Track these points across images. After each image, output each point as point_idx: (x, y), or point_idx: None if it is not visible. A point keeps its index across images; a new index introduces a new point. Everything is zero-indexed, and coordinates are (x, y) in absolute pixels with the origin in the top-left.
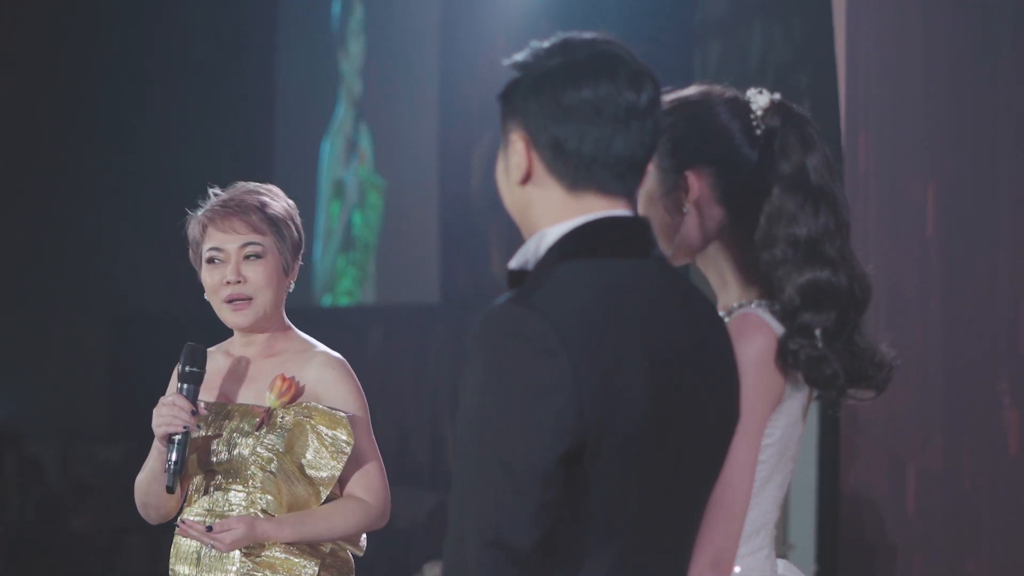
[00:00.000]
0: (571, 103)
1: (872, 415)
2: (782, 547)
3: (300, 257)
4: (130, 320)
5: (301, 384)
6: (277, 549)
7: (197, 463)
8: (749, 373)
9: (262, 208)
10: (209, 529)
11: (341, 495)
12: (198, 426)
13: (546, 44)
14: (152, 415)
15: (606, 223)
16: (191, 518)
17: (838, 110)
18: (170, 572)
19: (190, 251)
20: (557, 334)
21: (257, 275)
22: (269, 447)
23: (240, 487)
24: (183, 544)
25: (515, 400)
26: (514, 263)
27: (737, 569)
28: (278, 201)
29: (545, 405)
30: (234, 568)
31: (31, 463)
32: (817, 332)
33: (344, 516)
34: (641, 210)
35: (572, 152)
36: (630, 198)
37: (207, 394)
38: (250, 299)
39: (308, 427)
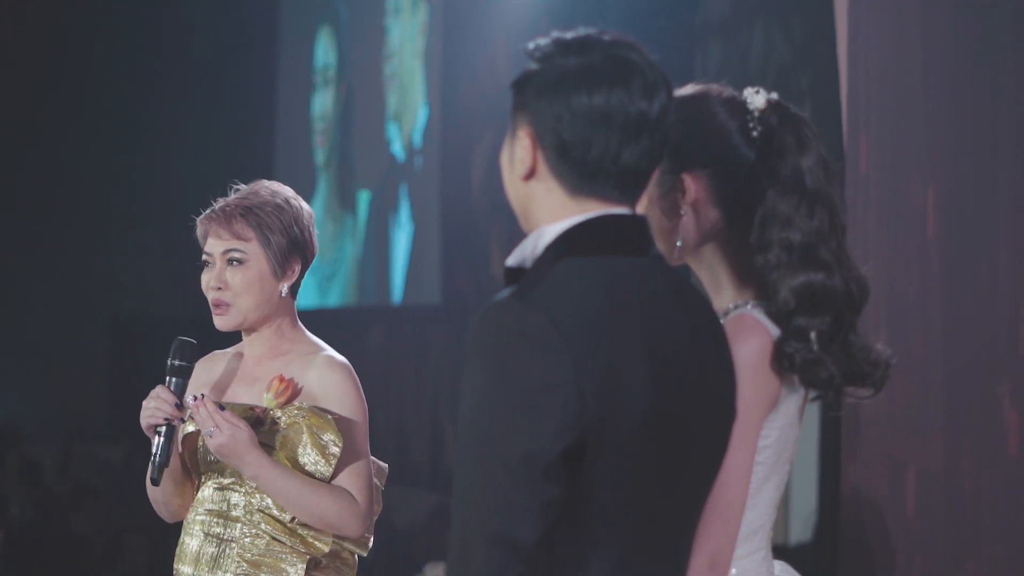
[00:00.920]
0: (582, 109)
1: (872, 416)
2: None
3: (307, 258)
4: (131, 321)
5: (299, 385)
6: (275, 546)
7: (198, 463)
8: (745, 374)
9: (247, 213)
10: (221, 408)
11: None
12: (182, 419)
13: (567, 37)
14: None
15: (604, 221)
16: (193, 518)
17: (839, 112)
18: (174, 572)
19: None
20: (558, 330)
21: (236, 281)
22: (264, 446)
23: (239, 487)
24: (187, 544)
25: (516, 397)
26: (512, 260)
27: (734, 571)
28: (272, 204)
29: (546, 401)
30: (232, 568)
31: (31, 463)
32: (812, 335)
33: (332, 500)
34: (638, 211)
35: (577, 160)
36: (631, 205)
37: (216, 395)
38: (228, 304)
39: (303, 427)
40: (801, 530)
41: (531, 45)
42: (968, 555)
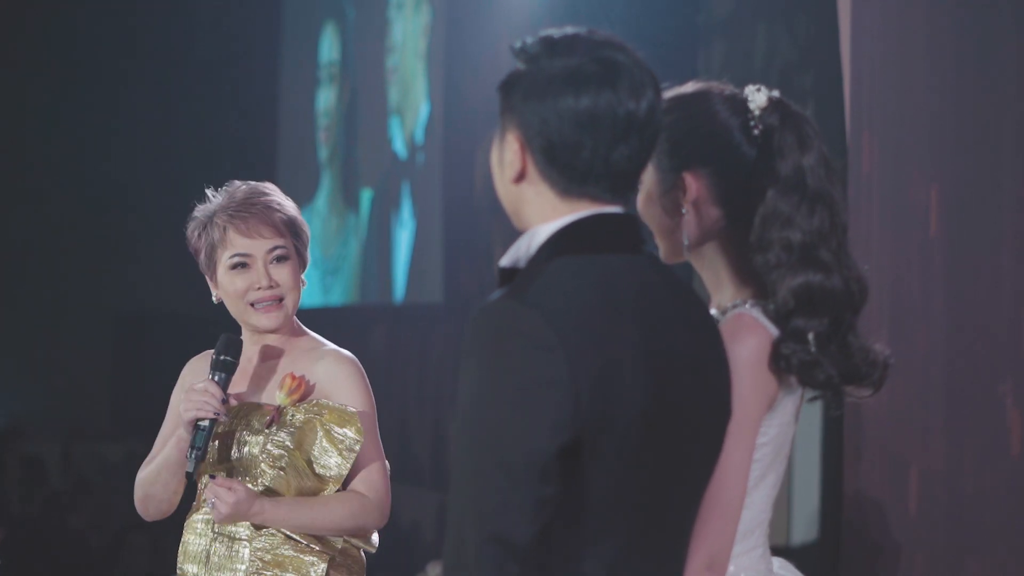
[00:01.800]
0: (569, 112)
1: (874, 416)
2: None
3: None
4: (133, 319)
5: (311, 382)
6: (286, 547)
7: (207, 461)
8: (743, 373)
9: (280, 209)
10: (212, 478)
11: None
12: (224, 416)
13: (554, 37)
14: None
15: (597, 219)
16: (199, 517)
17: (842, 110)
18: (178, 571)
19: (201, 256)
20: (553, 329)
21: (286, 277)
22: (279, 444)
23: (249, 484)
24: (191, 544)
25: (512, 396)
26: (505, 260)
27: (731, 568)
28: (287, 200)
29: (542, 400)
30: (243, 567)
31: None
32: (810, 336)
33: (343, 507)
34: (640, 209)
35: (566, 163)
36: (622, 204)
37: None
38: (281, 300)
39: (318, 424)
40: (803, 530)
41: (517, 44)
42: (970, 554)
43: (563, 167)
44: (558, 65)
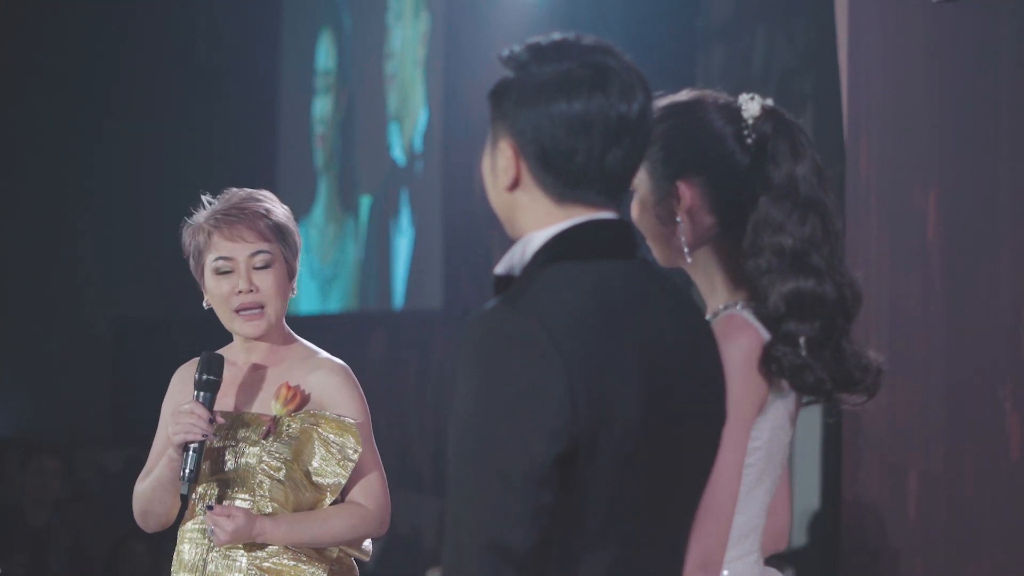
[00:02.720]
0: (562, 117)
1: (874, 420)
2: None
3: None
4: (133, 327)
5: (307, 392)
6: (285, 556)
7: (203, 472)
8: (734, 374)
9: (267, 215)
10: (210, 508)
11: (343, 502)
12: (213, 436)
13: (542, 43)
14: (167, 422)
15: (591, 226)
16: (193, 526)
17: (840, 115)
18: None
19: (191, 260)
20: (548, 336)
21: (268, 284)
22: (276, 455)
23: (246, 495)
24: (186, 553)
25: (508, 404)
26: (500, 268)
27: (725, 572)
28: (279, 207)
29: (538, 408)
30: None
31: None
32: (801, 340)
33: (342, 520)
34: (633, 218)
35: (561, 168)
36: (616, 208)
37: (217, 404)
38: (262, 307)
39: (315, 435)
40: (803, 534)
41: (505, 53)
42: (970, 559)
43: (558, 172)
44: (548, 71)
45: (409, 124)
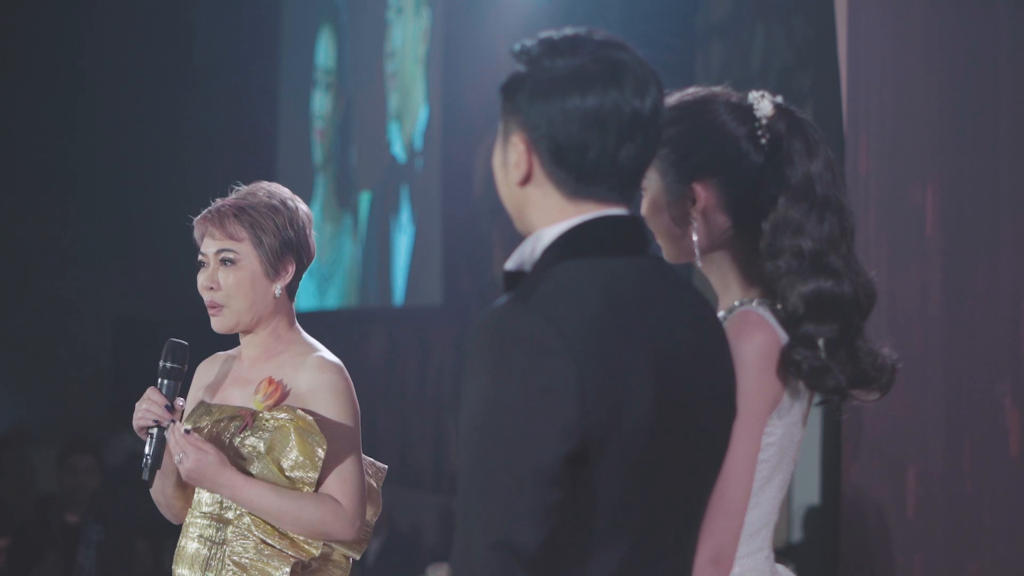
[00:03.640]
0: (576, 112)
1: (873, 417)
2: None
3: (302, 259)
4: (133, 324)
5: (287, 387)
6: (254, 552)
7: None
8: (749, 370)
9: (240, 213)
10: (187, 432)
11: None
12: (173, 421)
13: (554, 38)
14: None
15: (602, 222)
16: (191, 520)
17: (839, 112)
18: (172, 574)
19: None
20: (559, 334)
21: (228, 281)
22: (251, 449)
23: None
24: (185, 547)
25: (519, 402)
26: (510, 264)
27: (737, 569)
28: (267, 204)
29: (549, 406)
30: (223, 570)
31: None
32: (820, 342)
33: (315, 508)
34: (647, 218)
35: (574, 163)
36: (627, 204)
37: (211, 396)
38: (222, 306)
39: (291, 430)
40: (802, 530)
41: (517, 47)
42: (969, 556)
43: (570, 167)
44: (561, 65)
45: (409, 121)
